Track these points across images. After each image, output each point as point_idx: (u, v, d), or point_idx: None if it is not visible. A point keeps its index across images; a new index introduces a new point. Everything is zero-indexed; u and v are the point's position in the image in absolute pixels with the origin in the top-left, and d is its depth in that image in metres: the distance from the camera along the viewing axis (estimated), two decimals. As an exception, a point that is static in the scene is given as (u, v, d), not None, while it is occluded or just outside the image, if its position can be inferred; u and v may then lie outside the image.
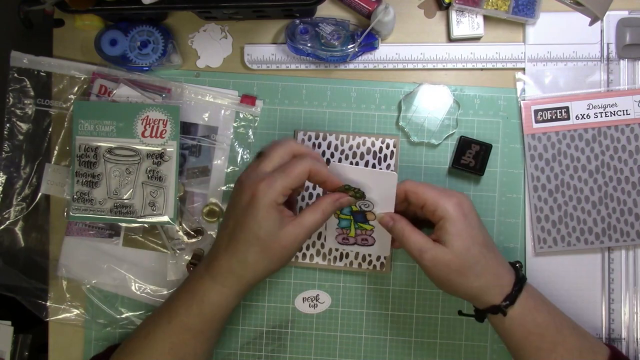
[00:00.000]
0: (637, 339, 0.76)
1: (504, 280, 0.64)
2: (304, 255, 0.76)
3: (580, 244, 0.75)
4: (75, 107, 0.75)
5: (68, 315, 0.78)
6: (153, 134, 0.74)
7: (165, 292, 0.77)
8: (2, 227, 0.77)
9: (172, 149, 0.74)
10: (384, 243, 0.72)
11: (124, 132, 0.74)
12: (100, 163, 0.74)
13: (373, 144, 0.76)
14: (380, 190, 0.67)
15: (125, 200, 0.74)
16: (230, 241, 0.63)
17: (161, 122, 0.73)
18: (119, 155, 0.74)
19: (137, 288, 0.77)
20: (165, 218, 0.74)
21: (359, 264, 0.76)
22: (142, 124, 0.73)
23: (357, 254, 0.76)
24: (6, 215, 0.77)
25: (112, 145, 0.74)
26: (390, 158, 0.76)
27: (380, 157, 0.76)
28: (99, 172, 0.74)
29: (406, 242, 0.65)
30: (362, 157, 0.76)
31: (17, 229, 0.78)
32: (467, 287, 0.64)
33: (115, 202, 0.74)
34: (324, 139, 0.76)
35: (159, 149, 0.74)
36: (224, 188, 0.77)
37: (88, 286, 0.77)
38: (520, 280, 0.64)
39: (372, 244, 0.73)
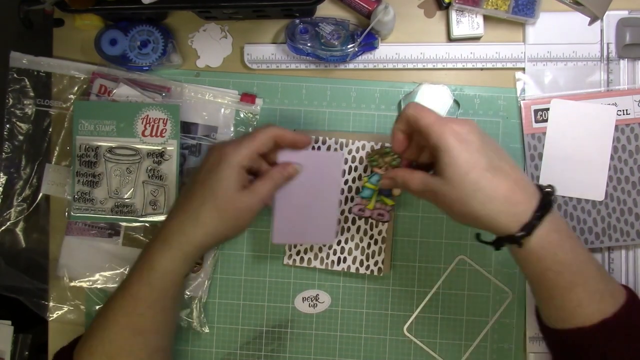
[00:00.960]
0: (637, 339, 0.76)
1: (520, 207, 0.57)
2: (302, 259, 0.76)
3: (580, 244, 0.75)
4: (75, 107, 0.75)
5: (70, 315, 0.78)
6: (153, 133, 0.74)
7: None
8: (3, 228, 0.77)
9: (172, 147, 0.74)
10: None
11: (124, 131, 0.74)
12: (101, 163, 0.74)
13: (372, 149, 0.76)
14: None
15: (126, 200, 0.74)
16: (185, 199, 0.64)
17: (161, 121, 0.74)
18: (120, 155, 0.74)
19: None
20: None
21: (357, 269, 0.76)
22: (142, 123, 0.74)
23: (354, 258, 0.76)
24: (7, 216, 0.77)
25: (113, 144, 0.74)
26: None
27: None
28: (100, 171, 0.74)
29: (407, 184, 0.62)
30: (361, 161, 0.76)
31: (18, 230, 0.78)
32: (474, 216, 0.58)
33: (116, 202, 0.74)
34: (324, 142, 0.76)
35: (160, 148, 0.74)
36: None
37: (92, 286, 0.77)
38: (542, 208, 0.57)
39: (388, 221, 0.74)
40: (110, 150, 0.74)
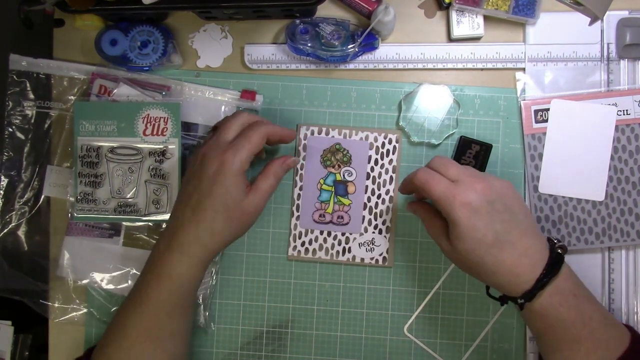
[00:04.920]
0: (637, 339, 0.76)
1: (523, 277, 0.60)
2: (307, 250, 0.77)
3: (580, 244, 0.75)
4: (75, 108, 0.75)
5: (74, 315, 0.78)
6: (154, 132, 0.74)
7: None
8: (5, 231, 0.77)
9: (174, 146, 0.74)
10: (357, 223, 0.76)
11: (125, 131, 0.74)
12: (103, 163, 0.74)
13: (376, 139, 0.76)
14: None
15: (129, 200, 0.74)
16: (195, 211, 0.64)
17: (162, 119, 0.74)
18: (121, 155, 0.74)
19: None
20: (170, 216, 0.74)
21: (362, 259, 0.76)
22: (143, 122, 0.74)
23: (359, 247, 0.76)
24: (8, 219, 0.77)
25: (114, 144, 0.74)
26: (393, 153, 0.76)
27: (382, 152, 0.76)
28: (102, 172, 0.74)
29: (424, 222, 0.68)
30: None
31: (20, 233, 0.77)
32: (482, 280, 0.64)
33: (119, 202, 0.74)
34: (327, 134, 0.77)
35: (161, 146, 0.74)
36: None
37: (95, 286, 0.77)
38: (547, 274, 0.60)
39: (347, 223, 0.76)
40: (112, 150, 0.74)
